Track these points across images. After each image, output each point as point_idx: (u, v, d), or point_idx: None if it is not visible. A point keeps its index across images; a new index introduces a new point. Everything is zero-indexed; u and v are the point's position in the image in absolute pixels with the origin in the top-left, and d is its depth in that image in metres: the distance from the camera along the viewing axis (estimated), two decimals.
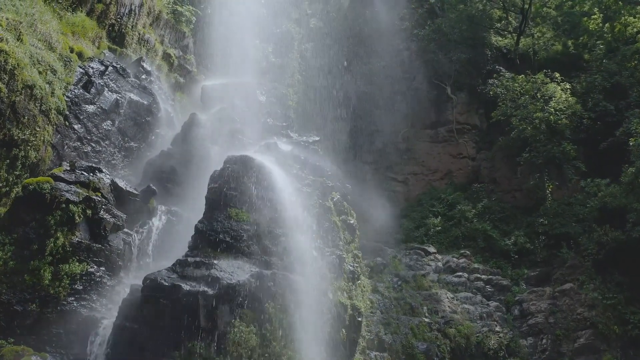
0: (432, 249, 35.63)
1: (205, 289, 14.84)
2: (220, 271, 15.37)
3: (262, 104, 25.91)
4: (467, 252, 34.96)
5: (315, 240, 18.77)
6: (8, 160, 17.41)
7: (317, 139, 23.40)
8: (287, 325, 15.99)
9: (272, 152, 20.15)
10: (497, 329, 29.26)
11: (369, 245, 33.27)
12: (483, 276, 33.00)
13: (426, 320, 27.64)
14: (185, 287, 14.76)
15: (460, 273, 33.20)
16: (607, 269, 29.36)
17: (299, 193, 19.24)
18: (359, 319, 19.35)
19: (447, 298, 29.92)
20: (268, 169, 18.15)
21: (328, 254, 19.15)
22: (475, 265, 33.94)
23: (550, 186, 35.42)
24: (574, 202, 34.20)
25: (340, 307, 18.67)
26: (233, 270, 15.59)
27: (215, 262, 15.69)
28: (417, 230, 38.04)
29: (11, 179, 17.54)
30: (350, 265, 20.43)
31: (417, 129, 43.74)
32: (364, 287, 21.83)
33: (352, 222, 22.52)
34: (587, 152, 36.53)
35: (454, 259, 34.54)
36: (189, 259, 15.91)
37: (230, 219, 17.02)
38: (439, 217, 38.04)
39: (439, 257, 35.16)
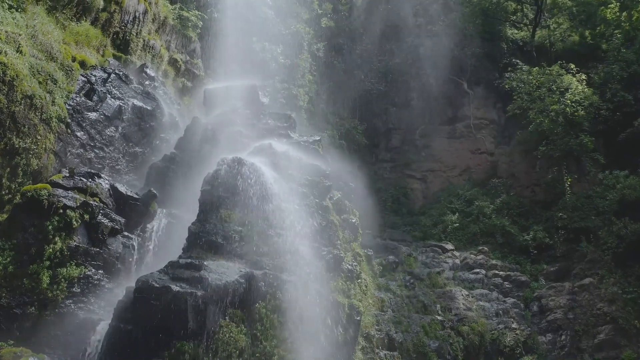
0: (449, 246, 35.41)
1: (194, 290, 15.01)
2: (210, 272, 15.54)
3: (265, 105, 26.08)
4: (485, 248, 34.69)
5: (310, 240, 18.80)
6: (9, 169, 18.00)
7: (318, 138, 23.36)
8: (279, 325, 16.08)
9: (267, 153, 20.25)
10: (514, 325, 28.85)
11: (383, 244, 33.26)
12: (501, 272, 32.63)
13: (439, 318, 27.44)
14: (175, 288, 14.96)
15: (478, 270, 32.89)
16: (627, 262, 28.72)
17: (293, 193, 19.31)
18: (357, 318, 19.31)
19: (462, 295, 29.63)
20: (260, 170, 18.26)
21: (325, 253, 19.17)
22: (494, 262, 33.58)
23: (569, 179, 34.74)
24: (594, 195, 33.54)
25: (336, 306, 18.68)
26: (223, 271, 15.75)
27: (205, 263, 15.88)
28: (434, 227, 37.89)
29: (13, 186, 18.11)
30: (349, 265, 20.38)
31: (434, 125, 43.55)
32: (366, 286, 21.74)
33: (354, 220, 22.47)
34: (607, 144, 35.77)
35: (472, 255, 34.24)
36: (181, 260, 16.16)
37: (222, 221, 17.23)
38: (457, 214, 37.75)
39: (457, 254, 34.89)
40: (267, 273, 16.49)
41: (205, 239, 16.95)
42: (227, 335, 15.02)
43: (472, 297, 30.00)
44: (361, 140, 40.60)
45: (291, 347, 16.17)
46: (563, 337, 28.50)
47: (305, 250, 18.19)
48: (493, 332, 27.89)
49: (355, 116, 41.83)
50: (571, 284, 30.43)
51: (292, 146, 21.69)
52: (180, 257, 16.61)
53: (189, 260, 16.06)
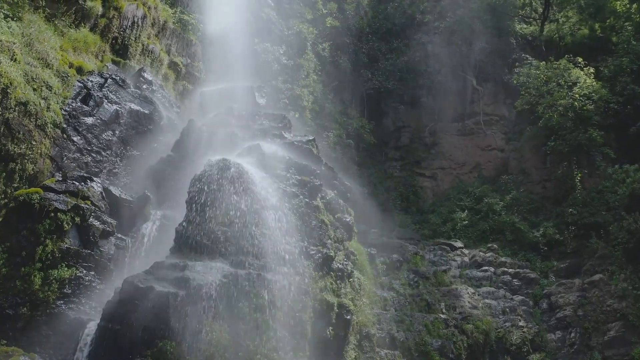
0: (459, 244, 35.17)
1: (177, 289, 15.26)
2: (193, 272, 15.78)
3: (261, 106, 26.26)
4: (495, 245, 34.39)
5: (298, 239, 18.89)
6: (5, 174, 18.41)
7: (312, 138, 23.40)
8: (262, 324, 16.18)
9: (255, 153, 20.42)
10: (521, 323, 28.60)
11: (389, 242, 33.15)
12: (510, 270, 32.34)
13: (442, 316, 27.33)
14: (158, 288, 15.23)
15: (486, 267, 32.61)
16: (638, 258, 28.26)
17: (282, 193, 19.40)
18: (347, 317, 19.35)
19: (468, 293, 29.43)
20: (246, 171, 18.41)
21: (314, 252, 19.22)
22: (503, 259, 33.28)
23: (580, 174, 34.25)
24: (604, 190, 33.01)
25: (325, 306, 18.75)
26: (206, 271, 15.97)
27: (189, 263, 16.12)
28: (444, 225, 37.71)
29: (9, 191, 18.52)
30: (340, 264, 20.40)
31: (444, 122, 43.34)
32: (360, 284, 21.75)
33: (348, 219, 22.48)
34: (618, 138, 35.18)
35: (481, 253, 33.97)
36: (166, 261, 16.44)
37: (208, 221, 17.43)
38: (466, 211, 37.48)
39: (466, 251, 34.63)
40: (252, 273, 16.64)
41: (192, 239, 17.19)
42: (209, 334, 15.21)
43: (478, 295, 29.77)
44: (370, 139, 40.54)
45: (276, 346, 16.28)
46: (572, 334, 28.23)
47: (292, 250, 18.28)
48: (499, 330, 27.68)
49: (363, 115, 41.79)
50: (581, 281, 30.09)
51: (283, 146, 21.79)
52: (166, 257, 16.88)
53: (174, 260, 16.34)
